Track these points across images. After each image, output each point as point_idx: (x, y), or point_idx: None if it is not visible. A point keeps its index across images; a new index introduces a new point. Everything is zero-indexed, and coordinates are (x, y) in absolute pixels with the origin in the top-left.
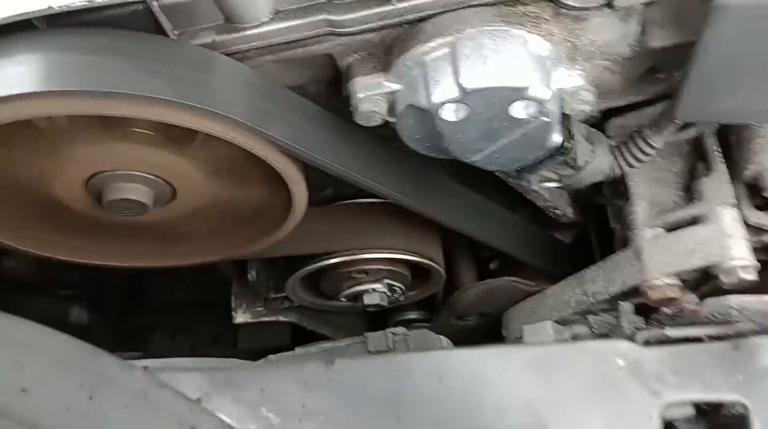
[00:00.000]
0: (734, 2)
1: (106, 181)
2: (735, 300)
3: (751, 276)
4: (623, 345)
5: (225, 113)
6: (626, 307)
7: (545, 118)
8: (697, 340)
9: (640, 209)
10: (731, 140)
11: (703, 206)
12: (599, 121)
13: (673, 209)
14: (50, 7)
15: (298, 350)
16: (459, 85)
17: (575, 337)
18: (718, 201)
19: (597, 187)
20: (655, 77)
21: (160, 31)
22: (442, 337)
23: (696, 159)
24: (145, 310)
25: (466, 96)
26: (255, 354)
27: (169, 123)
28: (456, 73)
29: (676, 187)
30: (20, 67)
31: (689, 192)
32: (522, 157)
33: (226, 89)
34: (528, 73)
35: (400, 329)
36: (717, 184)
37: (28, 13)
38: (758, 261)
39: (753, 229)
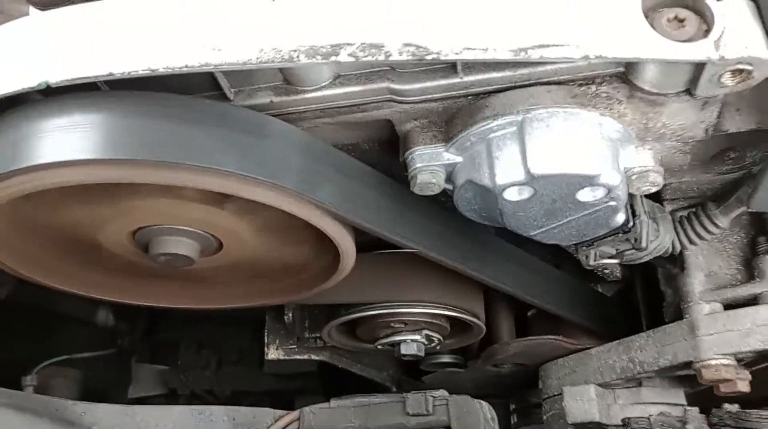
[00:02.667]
0: None
1: (153, 234)
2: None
3: None
4: None
5: (274, 181)
6: (694, 412)
7: (612, 202)
8: None
9: (696, 282)
10: None
11: (763, 285)
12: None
13: (732, 285)
14: (111, 73)
15: (333, 402)
16: (526, 168)
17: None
18: None
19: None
20: (727, 157)
21: (218, 89)
22: (483, 402)
23: (757, 232)
24: (172, 321)
25: (532, 181)
26: (279, 378)
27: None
28: (523, 155)
29: (735, 259)
30: (75, 134)
31: (749, 268)
32: (582, 234)
33: (277, 156)
34: (599, 160)
35: (441, 392)
36: None
37: (89, 77)
38: None
39: None
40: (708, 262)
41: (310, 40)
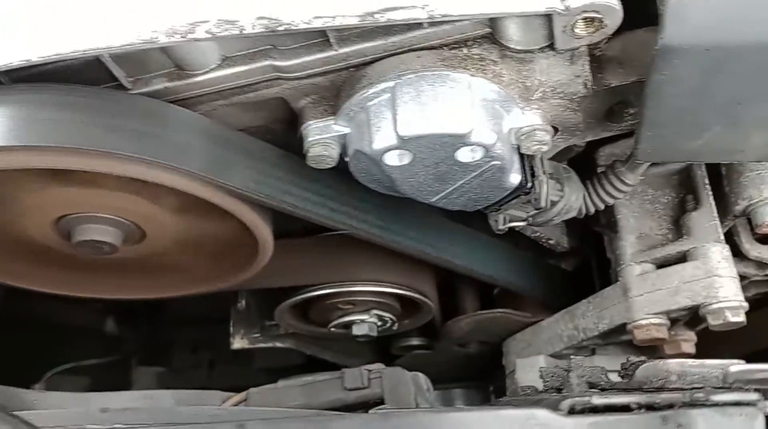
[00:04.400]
0: (679, 44)
1: (74, 222)
2: (674, 365)
3: (739, 318)
4: (542, 413)
5: (180, 166)
6: (578, 360)
7: (496, 162)
8: (625, 408)
9: (627, 244)
10: (722, 172)
11: (690, 242)
12: (589, 151)
13: (662, 244)
14: (10, 63)
15: (281, 383)
16: (396, 132)
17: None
18: (706, 237)
19: (595, 215)
20: (626, 113)
21: (114, 80)
22: (419, 374)
23: (686, 191)
24: (167, 324)
25: (404, 143)
26: (271, 372)
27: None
28: (394, 119)
29: (666, 220)
30: None
31: (679, 227)
32: (483, 198)
33: (181, 141)
34: (469, 119)
35: (377, 366)
36: (705, 219)
37: None
38: (762, 294)
39: (755, 262)
40: (639, 224)
41: (169, 21)
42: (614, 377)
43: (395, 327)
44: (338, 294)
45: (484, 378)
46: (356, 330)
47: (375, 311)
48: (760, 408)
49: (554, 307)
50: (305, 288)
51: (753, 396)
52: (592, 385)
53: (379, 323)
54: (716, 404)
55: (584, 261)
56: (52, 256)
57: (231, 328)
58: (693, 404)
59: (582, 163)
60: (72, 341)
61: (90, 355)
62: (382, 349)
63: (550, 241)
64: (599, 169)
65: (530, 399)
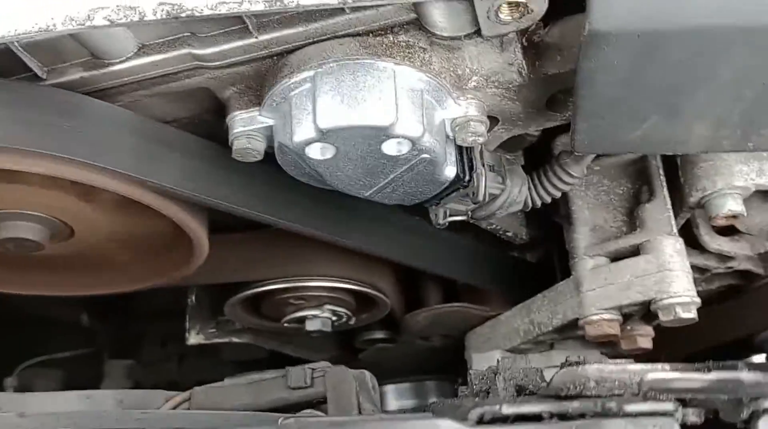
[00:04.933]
0: (608, 30)
1: None
2: (593, 370)
3: (690, 314)
4: (446, 424)
5: (100, 163)
6: (506, 362)
7: (425, 155)
8: (536, 418)
9: (581, 236)
10: (678, 162)
11: (643, 235)
12: (546, 140)
13: (616, 237)
14: None
15: (227, 381)
16: (315, 124)
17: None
18: (658, 230)
19: (554, 204)
20: (569, 101)
21: (28, 70)
22: (365, 372)
23: (641, 182)
24: (138, 317)
25: (324, 136)
26: (240, 365)
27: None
28: (314, 110)
29: (621, 211)
30: None
31: (633, 218)
32: (419, 192)
33: (100, 136)
34: (392, 110)
35: (322, 364)
36: (658, 211)
37: None
38: (726, 287)
39: (716, 255)
40: (594, 216)
41: (66, 8)
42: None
43: (352, 321)
44: (288, 289)
45: (452, 371)
46: (309, 325)
47: (328, 306)
48: (676, 418)
49: (517, 300)
50: (255, 283)
51: (668, 406)
52: (520, 389)
53: (334, 318)
54: (629, 414)
55: (549, 252)
56: None
57: (186, 324)
58: (605, 414)
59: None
60: (45, 333)
61: (63, 347)
62: (346, 342)
63: (508, 233)
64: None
65: (454, 405)
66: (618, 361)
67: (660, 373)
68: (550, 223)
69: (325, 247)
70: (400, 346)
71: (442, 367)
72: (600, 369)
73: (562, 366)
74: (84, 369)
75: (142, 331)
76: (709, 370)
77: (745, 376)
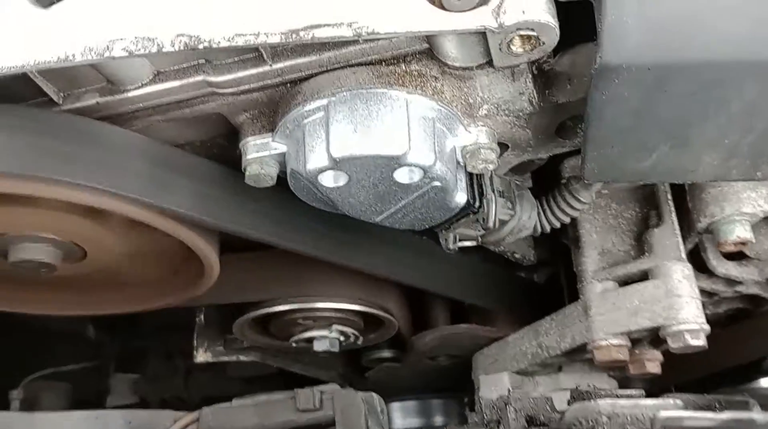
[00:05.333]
0: (619, 63)
1: (10, 241)
2: (606, 405)
3: (699, 341)
4: None
5: (114, 190)
6: (517, 393)
7: (437, 182)
8: None
9: (590, 260)
10: (686, 188)
11: (651, 260)
12: (555, 163)
13: (625, 261)
14: None
15: (235, 402)
16: (329, 153)
17: None
18: (667, 255)
19: (562, 227)
20: (580, 128)
21: (44, 95)
22: (373, 395)
23: (650, 207)
24: (143, 331)
25: (338, 164)
26: (246, 382)
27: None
28: (327, 139)
29: (629, 235)
30: None
31: (641, 243)
32: (429, 217)
33: (115, 163)
34: (404, 139)
35: (331, 386)
36: (667, 236)
37: None
38: (734, 310)
39: (723, 279)
40: (602, 239)
41: (85, 39)
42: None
43: (359, 342)
44: (297, 310)
45: (461, 390)
46: (317, 346)
47: (336, 327)
48: None
49: (524, 321)
50: (263, 303)
51: None
52: (531, 420)
53: (342, 338)
54: None
55: (556, 273)
56: None
57: (195, 342)
58: None
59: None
60: (51, 345)
61: (69, 360)
62: (353, 360)
63: (516, 256)
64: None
65: None
66: (629, 392)
67: (673, 411)
68: (558, 244)
69: (334, 268)
70: (407, 365)
71: (449, 386)
72: (612, 404)
73: (572, 395)
74: (90, 382)
75: (148, 345)
76: (722, 409)
77: (758, 416)
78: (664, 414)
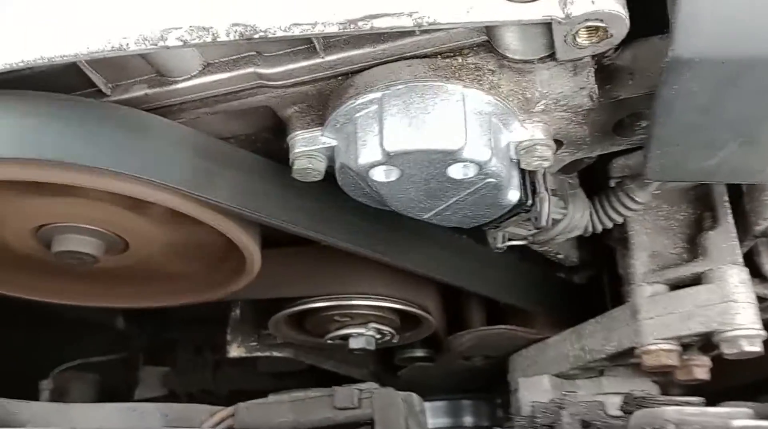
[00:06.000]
0: (692, 56)
1: (55, 232)
2: (672, 412)
3: (755, 348)
4: None
5: (161, 181)
6: (571, 397)
7: (491, 179)
8: None
9: (639, 262)
10: (743, 189)
11: (706, 264)
12: (603, 162)
13: (676, 264)
14: None
15: (271, 398)
16: (382, 147)
17: None
18: (723, 259)
19: (607, 228)
20: (637, 126)
21: (93, 86)
22: (412, 394)
23: (703, 208)
24: (173, 323)
25: (391, 159)
26: (275, 377)
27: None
28: (381, 133)
29: (681, 238)
30: None
31: (695, 246)
32: (479, 215)
33: (162, 154)
34: (461, 134)
35: (369, 385)
36: (723, 239)
37: None
38: None
39: None
40: (653, 241)
41: (140, 28)
42: (615, 409)
43: (395, 340)
44: (335, 307)
45: (491, 390)
46: (353, 343)
47: (373, 324)
48: None
49: (563, 323)
50: (300, 299)
51: None
52: (585, 424)
53: (378, 336)
54: None
55: (596, 274)
56: (34, 264)
57: (228, 336)
58: None
59: (595, 174)
60: (82, 337)
61: (98, 351)
62: (386, 359)
63: (559, 256)
64: (612, 182)
65: None
66: (687, 400)
67: (747, 420)
68: (600, 246)
69: (372, 265)
70: (440, 365)
71: (479, 387)
72: (679, 411)
73: (626, 401)
74: (118, 374)
75: (177, 338)
76: None
77: None
78: (737, 423)
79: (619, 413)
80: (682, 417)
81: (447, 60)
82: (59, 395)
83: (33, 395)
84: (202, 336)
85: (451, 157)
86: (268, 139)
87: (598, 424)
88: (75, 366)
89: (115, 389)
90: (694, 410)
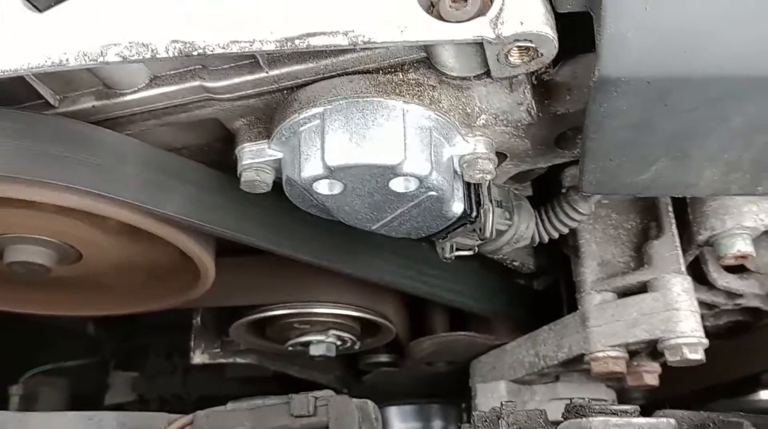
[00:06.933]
0: (619, 75)
1: (5, 243)
2: (598, 423)
3: (697, 355)
4: None
5: (110, 194)
6: (509, 406)
7: (433, 192)
8: None
9: (588, 270)
10: (687, 200)
11: (651, 272)
12: (555, 171)
13: (623, 273)
14: None
15: (230, 405)
16: (324, 161)
17: None
18: (666, 268)
19: (562, 236)
20: (578, 138)
21: (40, 97)
22: (368, 402)
23: (650, 218)
24: (142, 328)
25: (333, 173)
26: (242, 382)
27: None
28: (322, 148)
29: (629, 246)
30: None
31: (640, 254)
32: (426, 226)
33: (111, 167)
34: (400, 148)
35: (326, 392)
36: (666, 248)
37: None
38: (734, 323)
39: (723, 292)
40: (602, 250)
41: (79, 44)
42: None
43: (356, 346)
44: (293, 314)
45: (457, 395)
46: (313, 350)
47: (333, 331)
48: None
49: (523, 329)
50: (260, 307)
51: None
52: None
53: (338, 343)
54: None
55: (555, 280)
56: None
57: (191, 343)
58: None
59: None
60: (52, 342)
61: (68, 356)
62: (350, 364)
63: (515, 263)
64: (563, 191)
65: None
66: (624, 408)
67: None
68: (559, 252)
69: (331, 273)
70: (404, 370)
71: (447, 392)
72: (605, 422)
73: (566, 408)
74: (89, 379)
75: (148, 343)
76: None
77: None
78: None
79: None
80: (607, 427)
81: (388, 76)
82: (29, 401)
83: (2, 401)
84: (173, 342)
85: (391, 171)
86: (221, 149)
87: None
88: (45, 371)
89: (85, 394)
90: (619, 420)
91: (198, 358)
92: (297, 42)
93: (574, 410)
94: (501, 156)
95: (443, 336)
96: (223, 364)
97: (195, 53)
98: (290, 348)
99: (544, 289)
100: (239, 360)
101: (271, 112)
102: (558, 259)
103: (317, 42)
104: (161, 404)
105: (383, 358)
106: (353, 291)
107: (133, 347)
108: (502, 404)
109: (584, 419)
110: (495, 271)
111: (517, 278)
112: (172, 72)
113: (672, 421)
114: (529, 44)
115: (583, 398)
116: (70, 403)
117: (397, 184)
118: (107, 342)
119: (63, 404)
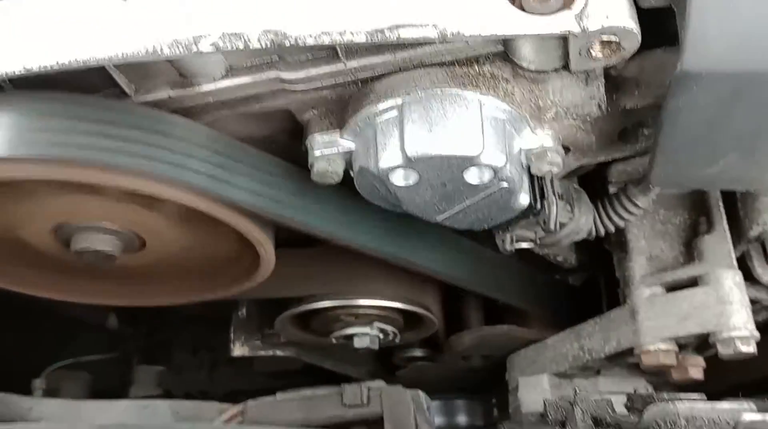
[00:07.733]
0: (699, 70)
1: (73, 231)
2: (684, 408)
3: (749, 348)
4: None
5: (180, 179)
6: (583, 394)
7: (505, 184)
8: None
9: (637, 265)
10: (737, 195)
11: (702, 267)
12: (601, 168)
13: (673, 267)
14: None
15: (279, 396)
16: (404, 152)
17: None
18: (718, 262)
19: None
20: (641, 134)
21: (116, 86)
22: (419, 392)
23: (699, 213)
24: (168, 323)
25: (411, 163)
26: (270, 376)
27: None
28: (401, 138)
29: (678, 241)
30: None
31: (691, 249)
32: (490, 218)
33: (182, 153)
34: (479, 140)
35: (377, 383)
36: (718, 243)
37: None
38: None
39: (766, 288)
40: (650, 245)
41: (173, 33)
42: (618, 407)
43: (397, 339)
44: (341, 307)
45: (487, 390)
46: (357, 343)
47: (377, 324)
48: None
49: (559, 323)
50: (308, 299)
51: None
52: (596, 421)
53: (381, 336)
54: None
55: (592, 276)
56: (52, 262)
57: (231, 335)
58: None
59: (592, 179)
60: (74, 335)
61: (92, 350)
62: (385, 358)
63: (558, 258)
64: (610, 186)
65: None
66: (690, 396)
67: (756, 414)
68: (597, 249)
69: (377, 266)
70: (439, 365)
71: (475, 387)
72: (691, 407)
73: (630, 398)
74: (113, 373)
75: (172, 338)
76: None
77: None
78: (748, 417)
79: (622, 410)
80: (692, 413)
81: (464, 68)
82: (51, 395)
83: (25, 394)
84: (199, 336)
85: (469, 162)
86: (283, 143)
87: (608, 419)
88: (67, 365)
89: (109, 388)
90: (704, 405)
91: (238, 350)
92: (387, 33)
93: (640, 400)
94: (565, 149)
95: (485, 329)
96: (252, 359)
97: (287, 43)
98: (334, 340)
99: (580, 284)
100: (279, 352)
101: (343, 104)
102: (596, 255)
103: (407, 34)
104: (186, 399)
105: (418, 352)
106: (399, 283)
107: (158, 341)
108: (575, 392)
109: (670, 404)
110: (533, 265)
111: (555, 273)
112: (249, 63)
113: (752, 404)
114: (613, 38)
115: (646, 389)
116: (92, 397)
117: (472, 175)
118: (130, 336)
119: (84, 398)
